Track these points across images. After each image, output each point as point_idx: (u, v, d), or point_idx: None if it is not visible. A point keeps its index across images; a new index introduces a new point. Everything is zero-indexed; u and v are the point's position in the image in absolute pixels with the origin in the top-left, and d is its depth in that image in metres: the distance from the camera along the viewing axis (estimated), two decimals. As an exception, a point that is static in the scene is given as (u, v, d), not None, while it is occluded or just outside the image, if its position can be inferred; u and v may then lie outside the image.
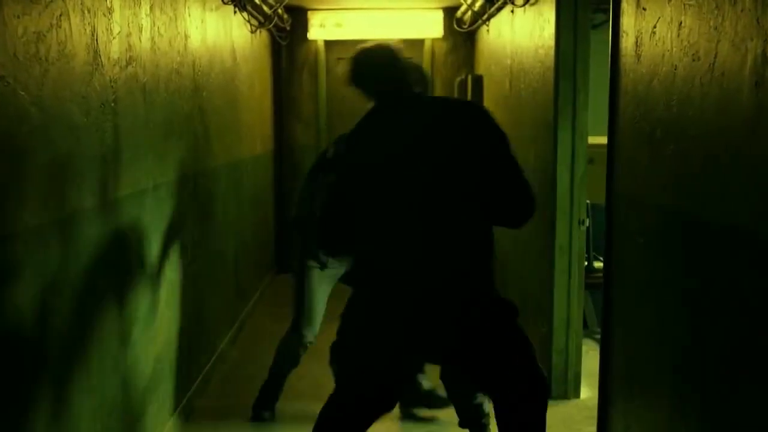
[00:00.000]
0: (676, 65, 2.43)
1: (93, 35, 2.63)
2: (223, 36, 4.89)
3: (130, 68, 3.03)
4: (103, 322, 2.76)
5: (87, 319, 2.61)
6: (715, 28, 2.14)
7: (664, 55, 2.53)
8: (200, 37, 4.24)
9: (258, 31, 6.18)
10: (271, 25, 6.32)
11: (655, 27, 2.61)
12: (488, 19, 6.20)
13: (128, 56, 3.01)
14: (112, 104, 2.83)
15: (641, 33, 2.76)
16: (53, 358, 2.36)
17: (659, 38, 2.57)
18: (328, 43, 7.43)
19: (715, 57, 2.14)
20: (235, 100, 5.30)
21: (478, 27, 6.80)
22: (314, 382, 4.51)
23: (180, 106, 3.83)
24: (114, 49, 2.84)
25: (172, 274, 3.66)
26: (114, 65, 2.85)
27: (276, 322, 5.70)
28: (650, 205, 2.67)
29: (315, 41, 7.38)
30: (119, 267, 2.93)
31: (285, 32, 7.06)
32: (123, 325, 2.98)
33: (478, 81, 6.71)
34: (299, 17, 7.21)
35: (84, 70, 2.56)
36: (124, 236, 2.97)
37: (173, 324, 3.70)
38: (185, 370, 3.91)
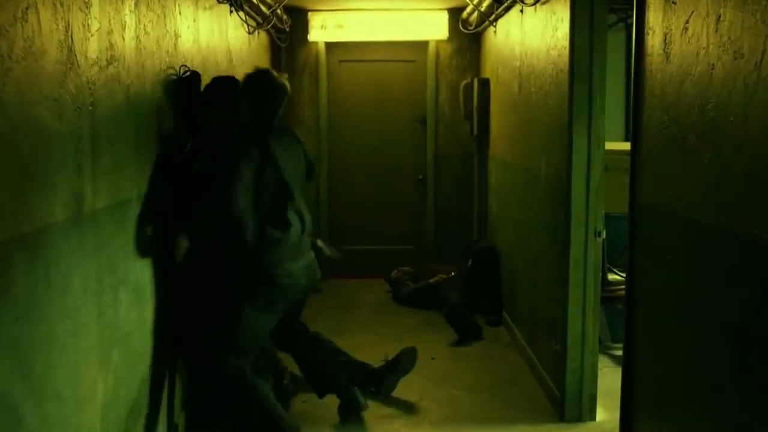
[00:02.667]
0: (713, 64, 2.18)
1: (67, 31, 2.38)
2: (217, 36, 4.65)
3: (111, 68, 2.79)
4: (78, 347, 2.51)
5: (59, 345, 2.36)
6: (763, 22, 1.89)
7: (698, 53, 2.29)
8: (192, 37, 4.00)
9: (256, 32, 5.94)
10: (269, 26, 6.08)
11: (687, 22, 2.37)
12: (496, 19, 5.96)
13: (109, 55, 2.76)
14: (90, 107, 2.59)
15: (671, 29, 2.51)
16: (16, 392, 2.11)
17: (693, 34, 2.32)
18: (330, 45, 7.19)
19: (763, 54, 1.89)
20: (230, 103, 5.05)
21: (485, 28, 6.56)
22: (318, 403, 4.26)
23: (169, 110, 3.58)
24: (92, 47, 2.60)
25: (159, 289, 3.41)
26: (92, 65, 2.60)
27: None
28: (682, 218, 2.42)
29: (315, 43, 7.14)
30: (98, 285, 2.68)
31: (284, 34, 6.82)
32: (103, 349, 2.73)
33: (484, 84, 6.47)
34: (299, 18, 6.97)
35: (56, 69, 2.31)
36: (103, 251, 2.72)
37: (161, 342, 3.44)
38: (175, 391, 3.66)
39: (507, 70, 5.62)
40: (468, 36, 7.03)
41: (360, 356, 5.00)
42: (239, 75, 5.27)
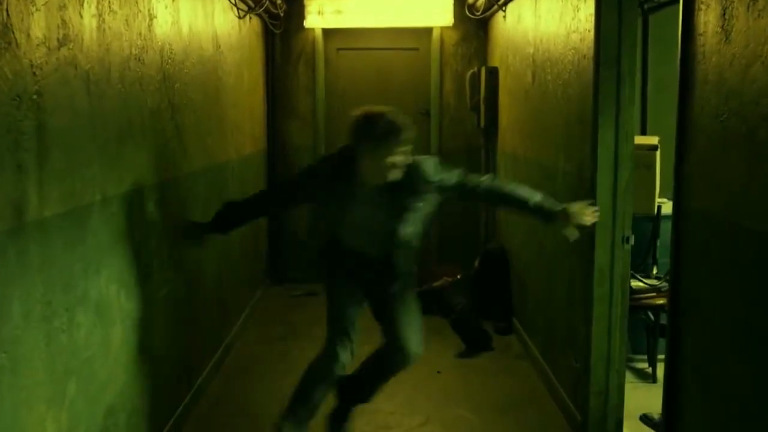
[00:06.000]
0: (796, 42, 1.76)
1: (0, 3, 1.96)
2: (202, 20, 4.21)
3: (64, 50, 2.36)
4: (19, 385, 2.09)
5: (-8, 384, 1.95)
6: None
7: (773, 28, 1.86)
8: (171, 18, 3.57)
9: (248, 17, 5.51)
10: (261, 10, 5.65)
11: (757, -8, 1.94)
12: (505, 3, 5.53)
13: (61, 35, 2.34)
14: (34, 96, 2.17)
15: (732, 3, 2.09)
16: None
17: (765, 7, 1.90)
18: (327, 32, 6.74)
19: None
20: (217, 93, 4.63)
21: (493, 13, 6.13)
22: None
23: (143, 100, 3.16)
24: (38, 24, 2.18)
25: (130, 305, 3.00)
26: (38, 46, 2.18)
27: (267, 344, 5.08)
28: (746, 229, 2.00)
29: (312, 30, 6.68)
30: (47, 308, 2.26)
31: (279, 19, 6.38)
32: (54, 382, 2.31)
33: (492, 73, 6.04)
34: (295, 3, 6.52)
35: (-16, 49, 1.89)
36: (54, 267, 2.30)
37: (132, 365, 3.03)
38: (149, 417, 3.25)
39: (518, 58, 5.19)
40: (475, 22, 6.59)
41: (359, 369, 4.61)
42: (227, 62, 4.89)
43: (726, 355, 2.15)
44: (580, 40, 3.61)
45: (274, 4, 5.88)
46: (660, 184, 4.54)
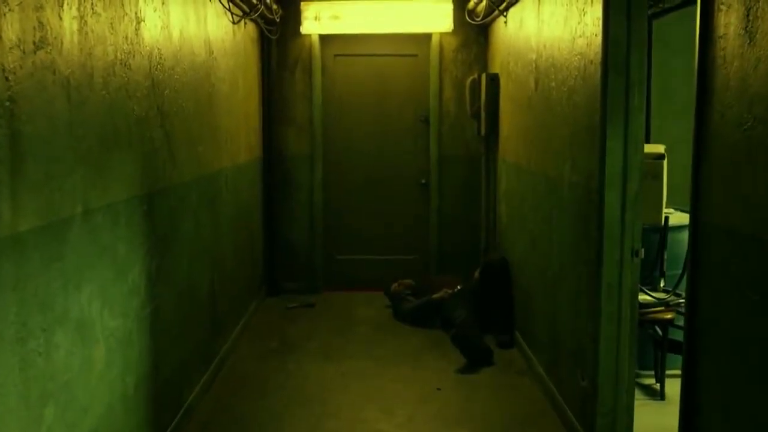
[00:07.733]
0: (831, 44, 1.61)
1: (-32, 2, 1.82)
2: (194, 24, 4.07)
3: (41, 54, 2.21)
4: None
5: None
6: None
7: (804, 30, 1.72)
8: (160, 23, 3.43)
9: (242, 22, 5.37)
10: (256, 15, 5.51)
11: (785, -10, 1.80)
12: (507, 8, 5.39)
13: (38, 37, 2.19)
14: (7, 103, 2.02)
15: (756, 2, 1.94)
16: None
17: (795, 6, 1.76)
18: (324, 38, 6.60)
19: None
20: (210, 100, 4.48)
21: (494, 19, 5.99)
22: None
23: (129, 107, 3.02)
24: (11, 25, 2.03)
25: (114, 323, 2.84)
26: (11, 49, 2.03)
27: (261, 359, 4.94)
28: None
29: (309, 36, 6.54)
30: (21, 330, 2.11)
31: (274, 25, 6.24)
32: (29, 408, 2.16)
33: (493, 80, 5.90)
34: (291, 8, 6.39)
35: (-51, 51, 1.74)
36: (29, 285, 2.15)
37: (117, 386, 2.88)
38: (136, 441, 3.09)
39: (520, 64, 5.05)
40: (475, 28, 6.46)
41: (357, 385, 4.45)
42: (221, 68, 4.74)
43: (748, 377, 2.00)
44: (587, 45, 3.48)
45: (269, 9, 5.75)
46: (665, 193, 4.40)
